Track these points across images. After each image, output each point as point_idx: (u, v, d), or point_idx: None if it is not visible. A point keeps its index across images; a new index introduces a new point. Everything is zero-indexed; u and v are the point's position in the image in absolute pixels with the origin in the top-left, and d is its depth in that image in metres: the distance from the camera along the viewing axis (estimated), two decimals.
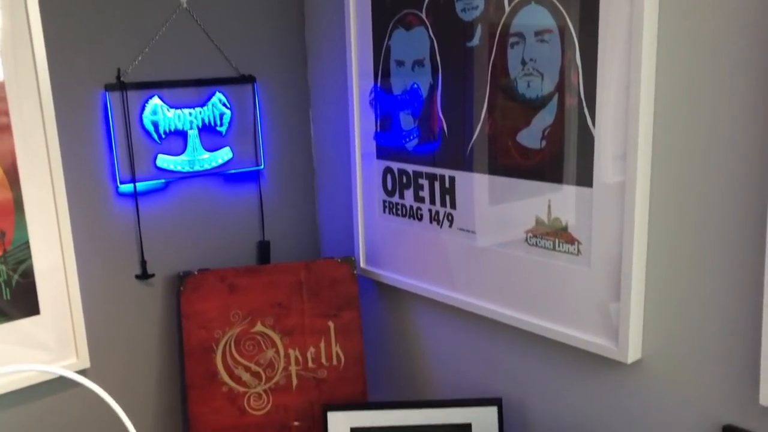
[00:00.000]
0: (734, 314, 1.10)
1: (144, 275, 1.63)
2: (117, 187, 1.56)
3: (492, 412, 1.46)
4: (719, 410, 1.15)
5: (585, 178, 1.23)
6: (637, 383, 1.25)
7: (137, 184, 1.58)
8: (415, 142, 1.54)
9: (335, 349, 1.66)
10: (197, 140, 1.64)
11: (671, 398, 1.21)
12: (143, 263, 1.62)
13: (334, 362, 1.66)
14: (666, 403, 1.22)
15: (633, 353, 1.23)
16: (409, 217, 1.59)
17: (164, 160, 1.61)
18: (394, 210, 1.62)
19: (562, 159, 1.25)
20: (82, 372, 1.51)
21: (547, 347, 1.39)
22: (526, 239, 1.35)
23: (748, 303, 1.08)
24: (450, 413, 1.48)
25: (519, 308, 1.39)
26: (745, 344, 1.10)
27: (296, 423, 1.62)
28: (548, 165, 1.28)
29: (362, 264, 1.74)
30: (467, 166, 1.43)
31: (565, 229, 1.28)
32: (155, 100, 1.58)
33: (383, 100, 1.59)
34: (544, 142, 1.28)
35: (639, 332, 1.23)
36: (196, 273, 1.63)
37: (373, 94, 1.62)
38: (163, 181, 1.62)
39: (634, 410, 1.27)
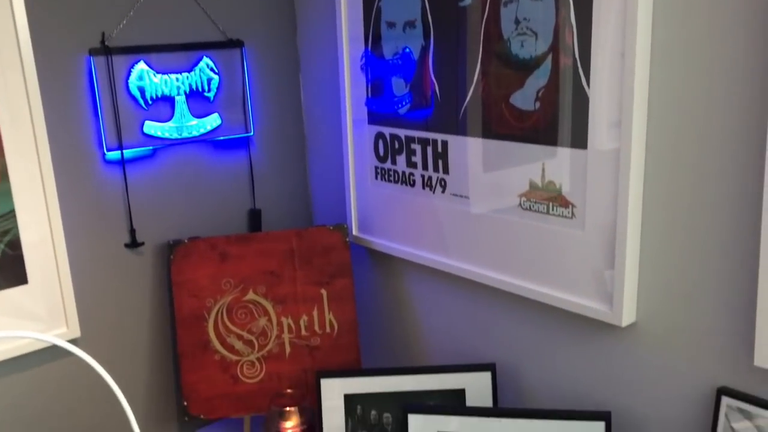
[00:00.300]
0: (729, 277, 1.09)
1: (133, 244, 1.61)
2: (104, 154, 1.54)
3: (486, 377, 1.46)
4: (714, 372, 1.15)
5: (579, 140, 1.21)
6: (632, 346, 1.25)
7: (124, 151, 1.55)
8: (407, 107, 1.51)
9: (328, 316, 1.65)
10: (185, 106, 1.61)
11: (666, 361, 1.21)
12: (132, 232, 1.60)
13: (328, 330, 1.65)
14: (660, 366, 1.22)
15: (627, 317, 1.22)
16: (402, 183, 1.57)
17: (151, 127, 1.58)
18: (386, 176, 1.60)
19: (557, 121, 1.23)
20: (72, 341, 1.48)
21: (542, 312, 1.38)
22: (520, 203, 1.33)
23: (743, 265, 1.07)
24: (444, 379, 1.47)
25: (513, 273, 1.38)
26: (740, 306, 1.09)
27: (289, 390, 1.61)
28: (542, 127, 1.26)
29: (355, 231, 1.73)
30: (460, 130, 1.41)
31: (559, 192, 1.26)
32: (141, 65, 1.54)
33: (374, 65, 1.56)
34: (538, 104, 1.25)
35: (633, 295, 1.22)
36: (186, 241, 1.61)
37: (363, 59, 1.59)
38: (150, 148, 1.59)
39: (628, 374, 1.27)
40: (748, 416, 1.09)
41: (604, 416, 1.25)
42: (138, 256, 1.63)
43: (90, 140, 1.52)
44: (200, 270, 1.61)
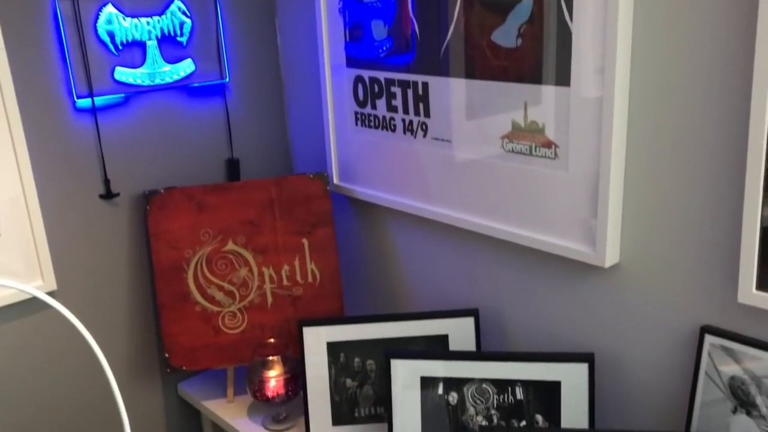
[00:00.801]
0: (712, 215, 1.08)
1: (108, 194, 1.57)
2: (74, 102, 1.49)
3: (469, 322, 1.45)
4: (697, 311, 1.14)
5: (562, 77, 1.17)
6: (615, 287, 1.24)
7: (95, 98, 1.50)
8: (387, 52, 1.46)
9: (310, 266, 1.63)
10: (157, 52, 1.56)
11: (649, 301, 1.20)
12: (107, 182, 1.56)
13: (310, 280, 1.63)
14: (644, 306, 1.21)
15: (611, 257, 1.20)
16: (382, 129, 1.53)
17: (123, 73, 1.52)
18: (366, 122, 1.56)
19: (539, 57, 1.20)
20: (49, 294, 1.46)
21: (525, 256, 1.37)
22: (503, 145, 1.30)
23: (727, 203, 1.05)
24: (427, 325, 1.46)
25: (496, 218, 1.36)
26: (724, 244, 1.07)
27: (272, 340, 1.60)
28: (524, 65, 1.22)
29: (336, 180, 1.70)
30: (441, 70, 1.37)
31: (541, 132, 1.23)
32: (109, 8, 1.48)
33: (353, 8, 1.51)
34: (519, 40, 1.21)
35: (617, 236, 1.20)
36: (162, 191, 1.58)
37: (341, 2, 1.53)
38: (122, 95, 1.54)
39: (611, 315, 1.26)
40: (730, 353, 1.09)
41: (587, 358, 1.25)
42: (113, 207, 1.59)
43: (59, 88, 1.47)
44: (178, 221, 1.58)
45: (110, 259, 1.61)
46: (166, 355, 1.60)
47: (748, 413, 1.08)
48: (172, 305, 1.59)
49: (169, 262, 1.58)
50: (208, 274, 1.60)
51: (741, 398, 1.08)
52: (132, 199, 1.61)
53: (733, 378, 1.09)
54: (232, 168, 1.74)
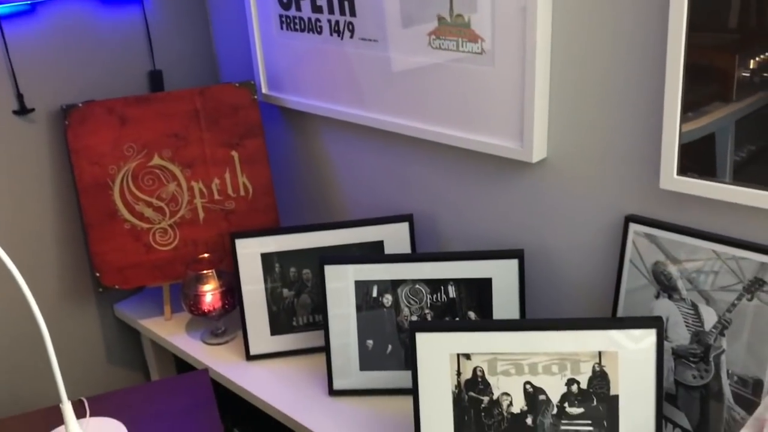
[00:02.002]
0: (636, 107, 1.07)
1: (22, 110, 1.49)
2: None
3: (403, 228, 1.44)
4: (622, 201, 1.15)
5: None
6: (543, 182, 1.24)
7: None
8: None
9: (242, 179, 1.59)
10: None
11: (576, 194, 1.20)
12: (20, 96, 1.48)
13: (242, 193, 1.60)
14: (571, 199, 1.21)
15: (538, 152, 1.20)
16: (309, 31, 1.48)
17: None
18: (291, 25, 1.50)
19: None
20: None
21: (457, 157, 1.35)
22: (430, 42, 1.27)
23: (649, 93, 1.05)
24: (362, 232, 1.45)
25: (427, 119, 1.34)
26: (646, 133, 1.07)
27: (206, 255, 1.57)
28: None
29: (264, 89, 1.64)
30: None
31: (467, 26, 1.20)
32: None
33: None
34: None
35: (544, 131, 1.19)
36: (80, 105, 1.50)
37: None
38: (28, 2, 1.44)
39: (540, 210, 1.26)
40: (653, 240, 1.11)
41: (517, 254, 1.26)
42: (30, 123, 1.52)
43: None
44: (99, 135, 1.52)
45: (31, 178, 1.54)
46: (97, 275, 1.56)
47: (670, 297, 1.10)
48: (100, 223, 1.54)
49: (93, 179, 1.52)
50: (135, 191, 1.54)
51: (663, 283, 1.11)
52: (50, 114, 1.53)
53: (656, 264, 1.11)
54: (155, 80, 1.67)
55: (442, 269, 1.29)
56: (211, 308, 1.52)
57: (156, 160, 1.55)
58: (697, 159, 1.01)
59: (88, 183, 1.52)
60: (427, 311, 1.31)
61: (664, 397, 1.07)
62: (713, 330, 1.06)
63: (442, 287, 1.30)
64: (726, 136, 0.98)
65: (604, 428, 1.06)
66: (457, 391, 1.08)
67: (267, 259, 1.46)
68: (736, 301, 1.03)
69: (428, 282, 1.30)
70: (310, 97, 1.55)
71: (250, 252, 1.45)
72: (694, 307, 1.08)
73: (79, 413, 1.11)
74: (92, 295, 1.70)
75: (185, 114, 1.54)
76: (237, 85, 1.56)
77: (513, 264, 1.26)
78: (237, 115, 1.57)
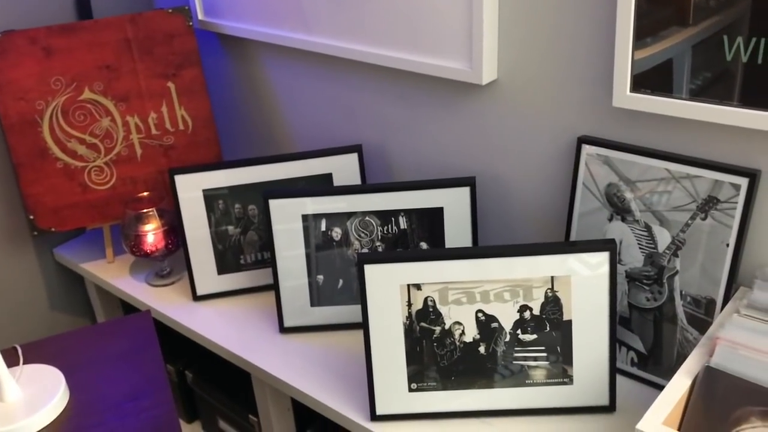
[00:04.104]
0: (590, 24, 1.02)
1: None
2: None
3: (353, 159, 1.39)
4: (575, 123, 1.11)
5: None
6: (494, 106, 1.19)
7: None
8: None
9: (180, 112, 1.51)
10: None
11: (528, 116, 1.16)
12: None
13: (181, 127, 1.51)
14: (523, 122, 1.17)
15: (488, 74, 1.14)
16: None
17: None
18: None
19: None
20: None
21: (405, 82, 1.29)
22: None
23: (600, 12, 0.99)
24: (309, 165, 1.39)
25: (373, 42, 1.26)
26: (600, 53, 1.02)
27: (145, 193, 1.49)
28: None
29: (200, 15, 1.54)
30: None
31: None
32: None
33: None
34: None
35: (494, 52, 1.13)
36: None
37: None
38: None
39: (492, 135, 1.22)
40: (606, 161, 1.07)
41: (468, 182, 1.21)
42: None
43: None
44: (22, 68, 1.41)
45: None
46: (31, 217, 1.48)
47: (623, 219, 1.08)
48: (30, 163, 1.45)
49: (19, 115, 1.42)
50: (66, 127, 1.45)
51: (617, 205, 1.08)
52: None
53: (609, 185, 1.08)
54: (82, 7, 1.55)
55: (392, 200, 1.24)
56: (154, 249, 1.45)
57: (87, 94, 1.45)
58: (650, 76, 0.96)
59: (13, 120, 1.42)
60: (378, 244, 1.27)
61: (617, 321, 1.06)
62: (667, 251, 1.04)
63: (393, 218, 1.25)
64: (683, 56, 0.93)
65: (558, 354, 1.04)
66: (408, 322, 1.05)
67: (209, 195, 1.39)
68: (689, 221, 1.01)
69: (378, 214, 1.26)
70: (249, 22, 1.46)
71: (191, 188, 1.38)
72: (648, 228, 1.05)
73: (12, 361, 1.05)
74: (29, 240, 1.62)
75: (116, 44, 1.44)
76: (170, 11, 1.46)
77: (465, 192, 1.21)
78: (171, 43, 1.47)
